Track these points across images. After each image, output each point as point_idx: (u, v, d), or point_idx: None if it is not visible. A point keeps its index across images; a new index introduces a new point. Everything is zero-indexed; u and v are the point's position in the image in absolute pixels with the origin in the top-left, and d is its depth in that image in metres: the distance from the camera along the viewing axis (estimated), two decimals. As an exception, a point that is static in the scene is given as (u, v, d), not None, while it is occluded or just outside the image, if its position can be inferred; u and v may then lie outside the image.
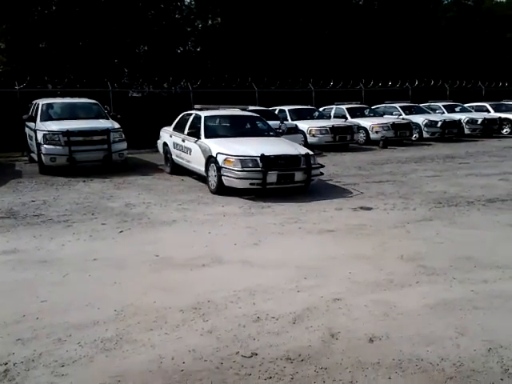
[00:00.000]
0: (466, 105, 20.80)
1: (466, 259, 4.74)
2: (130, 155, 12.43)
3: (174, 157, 10.33)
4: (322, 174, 8.44)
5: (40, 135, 10.34)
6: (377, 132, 16.24)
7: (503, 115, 19.75)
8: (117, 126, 11.05)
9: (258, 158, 7.66)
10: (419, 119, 17.53)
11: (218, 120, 9.93)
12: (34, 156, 11.20)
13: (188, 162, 9.41)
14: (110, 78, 18.08)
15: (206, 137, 8.80)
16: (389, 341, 3.18)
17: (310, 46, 25.15)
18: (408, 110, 18.52)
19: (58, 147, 10.23)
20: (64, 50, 21.71)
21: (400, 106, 18.69)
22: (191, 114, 10.09)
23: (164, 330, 3.37)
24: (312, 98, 20.18)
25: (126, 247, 5.35)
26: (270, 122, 10.61)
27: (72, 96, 13.53)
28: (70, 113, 11.62)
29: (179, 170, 10.21)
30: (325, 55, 25.37)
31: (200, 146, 8.68)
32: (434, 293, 3.94)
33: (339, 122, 15.82)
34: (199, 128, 9.12)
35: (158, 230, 6.02)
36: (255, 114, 10.77)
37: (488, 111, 20.41)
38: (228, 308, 3.72)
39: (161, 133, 11.50)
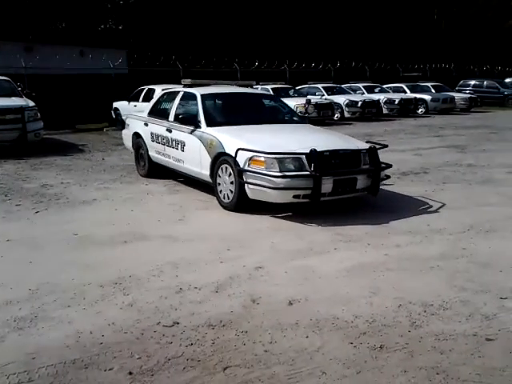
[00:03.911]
0: (384, 86, 21.70)
1: (381, 227, 5.00)
2: (47, 136, 11.86)
3: (152, 153, 7.42)
4: (388, 177, 6.11)
5: None
6: (300, 112, 16.54)
7: (418, 96, 20.83)
8: (32, 104, 10.42)
9: (304, 156, 5.16)
10: (341, 99, 18.09)
11: (220, 101, 7.23)
12: None
13: (178, 161, 6.68)
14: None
15: (210, 125, 6.18)
16: (307, 303, 3.31)
17: (235, 24, 25.02)
18: (330, 91, 19.04)
19: (-35, 127, 9.51)
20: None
21: (323, 87, 19.18)
22: (177, 93, 7.26)
23: (82, 305, 3.28)
24: (238, 78, 20.12)
25: (42, 227, 5.11)
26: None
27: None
28: (-21, 90, 10.80)
29: (160, 172, 7.49)
30: (250, 35, 25.37)
31: (201, 139, 6.08)
32: (351, 257, 4.13)
33: (264, 102, 15.93)
34: (196, 112, 6.49)
35: (77, 210, 5.80)
36: (267, 92, 8.27)
37: (405, 92, 21.46)
38: (150, 281, 3.69)
39: (127, 120, 8.51)
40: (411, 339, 2.86)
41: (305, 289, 3.52)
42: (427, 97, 20.97)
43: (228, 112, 6.98)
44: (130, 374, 2.53)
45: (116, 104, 15.64)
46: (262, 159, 5.21)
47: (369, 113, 18.19)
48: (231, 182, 5.57)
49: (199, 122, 6.30)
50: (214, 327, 2.99)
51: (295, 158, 5.21)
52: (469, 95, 22.97)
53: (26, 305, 3.29)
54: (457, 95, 22.41)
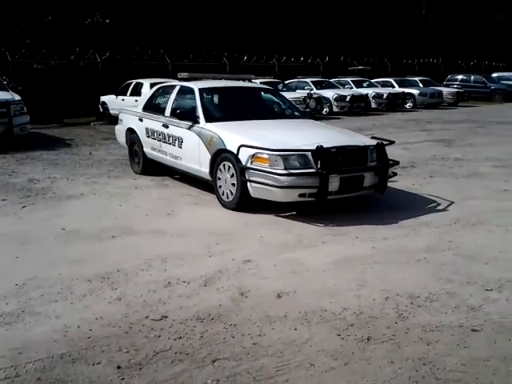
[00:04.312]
0: (372, 80, 21.77)
1: (368, 220, 5.03)
2: (34, 130, 11.73)
3: (147, 150, 7.17)
4: (395, 174, 5.95)
5: None
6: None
7: (406, 90, 20.94)
8: (17, 98, 10.29)
9: (310, 153, 4.96)
10: (329, 94, 18.12)
11: (219, 95, 6.93)
12: None
13: (175, 157, 6.44)
14: (10, 48, 16.79)
15: (209, 120, 5.95)
16: (295, 295, 3.33)
17: (223, 18, 24.89)
18: (319, 85, 19.07)
19: (-51, 121, 9.38)
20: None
21: (311, 81, 19.18)
22: (174, 87, 7.03)
23: (70, 300, 3.27)
24: (226, 72, 20.06)
25: (29, 222, 5.07)
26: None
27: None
28: (-37, 84, 10.67)
29: (155, 169, 7.27)
30: (239, 29, 25.27)
31: (200, 135, 5.85)
32: (339, 251, 4.16)
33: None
34: (194, 107, 6.22)
35: (64, 204, 5.76)
36: (267, 86, 8.25)
37: (393, 86, 21.57)
38: (138, 275, 3.68)
39: (121, 115, 8.17)
40: (398, 331, 2.88)
41: (293, 282, 3.54)
42: (415, 91, 21.08)
43: (227, 107, 6.69)
44: (118, 367, 2.53)
45: (104, 98, 15.53)
46: (266, 156, 4.98)
47: (357, 107, 18.25)
48: (232, 181, 5.35)
49: (198, 117, 6.05)
50: (203, 320, 3.00)
51: (300, 154, 4.98)
52: (456, 90, 23.14)
53: (12, 300, 3.26)
54: (444, 90, 22.57)
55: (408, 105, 20.84)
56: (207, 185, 6.19)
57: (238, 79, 7.68)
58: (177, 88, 6.91)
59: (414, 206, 5.63)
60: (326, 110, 17.84)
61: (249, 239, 4.48)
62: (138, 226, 4.88)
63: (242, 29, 25.42)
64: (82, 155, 9.33)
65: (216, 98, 6.86)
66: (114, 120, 14.56)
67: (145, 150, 7.23)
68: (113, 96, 14.78)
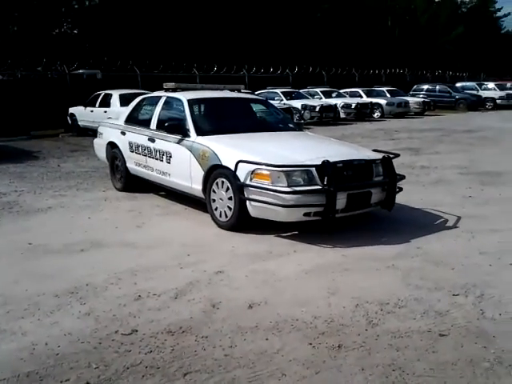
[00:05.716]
0: (341, 90, 22.13)
1: (337, 228, 5.08)
2: (0, 143, 11.46)
3: (130, 165, 6.73)
4: (400, 189, 5.43)
5: None
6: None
7: (374, 100, 21.37)
8: (-19, 110, 10.08)
9: (314, 169, 4.64)
10: (299, 104, 18.30)
11: (209, 106, 6.46)
12: None
13: (163, 174, 6.01)
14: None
15: (200, 133, 5.55)
16: (267, 305, 3.33)
17: (193, 29, 24.95)
18: (289, 96, 19.23)
19: None
20: None
21: (281, 92, 19.34)
22: (159, 98, 6.56)
23: (37, 316, 3.19)
24: (197, 83, 20.07)
25: (-6, 237, 4.94)
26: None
27: None
28: None
29: (138, 185, 6.86)
30: (208, 40, 25.36)
31: (192, 150, 5.44)
32: (309, 260, 4.19)
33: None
34: (183, 119, 5.82)
35: (31, 218, 5.63)
36: (258, 97, 7.82)
37: (361, 96, 21.97)
38: (108, 290, 3.62)
39: (100, 128, 7.67)
40: (368, 338, 2.92)
41: (265, 292, 3.55)
42: (382, 101, 21.52)
43: (219, 119, 6.29)
44: (88, 384, 2.48)
45: (72, 109, 15.30)
46: (267, 172, 4.59)
47: (326, 117, 18.47)
48: (229, 198, 4.95)
49: (188, 130, 5.65)
50: (174, 333, 2.97)
51: (305, 170, 4.63)
52: (422, 99, 23.74)
53: (-24, 318, 3.17)
54: (411, 99, 23.12)
55: (376, 114, 21.25)
56: (177, 195, 6.17)
57: (228, 89, 7.22)
58: (163, 99, 6.49)
59: (381, 213, 5.70)
60: (296, 119, 18.01)
61: (220, 250, 4.48)
62: (108, 239, 4.81)
63: (212, 40, 25.52)
64: (49, 168, 9.15)
65: (206, 110, 6.45)
66: (83, 132, 14.47)
67: (128, 165, 6.80)
68: (81, 107, 14.58)
